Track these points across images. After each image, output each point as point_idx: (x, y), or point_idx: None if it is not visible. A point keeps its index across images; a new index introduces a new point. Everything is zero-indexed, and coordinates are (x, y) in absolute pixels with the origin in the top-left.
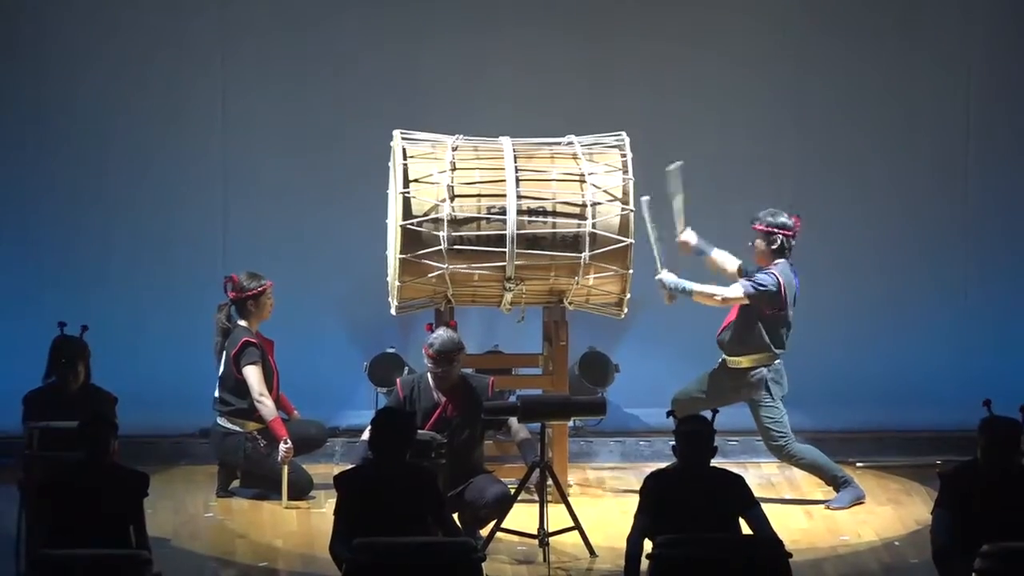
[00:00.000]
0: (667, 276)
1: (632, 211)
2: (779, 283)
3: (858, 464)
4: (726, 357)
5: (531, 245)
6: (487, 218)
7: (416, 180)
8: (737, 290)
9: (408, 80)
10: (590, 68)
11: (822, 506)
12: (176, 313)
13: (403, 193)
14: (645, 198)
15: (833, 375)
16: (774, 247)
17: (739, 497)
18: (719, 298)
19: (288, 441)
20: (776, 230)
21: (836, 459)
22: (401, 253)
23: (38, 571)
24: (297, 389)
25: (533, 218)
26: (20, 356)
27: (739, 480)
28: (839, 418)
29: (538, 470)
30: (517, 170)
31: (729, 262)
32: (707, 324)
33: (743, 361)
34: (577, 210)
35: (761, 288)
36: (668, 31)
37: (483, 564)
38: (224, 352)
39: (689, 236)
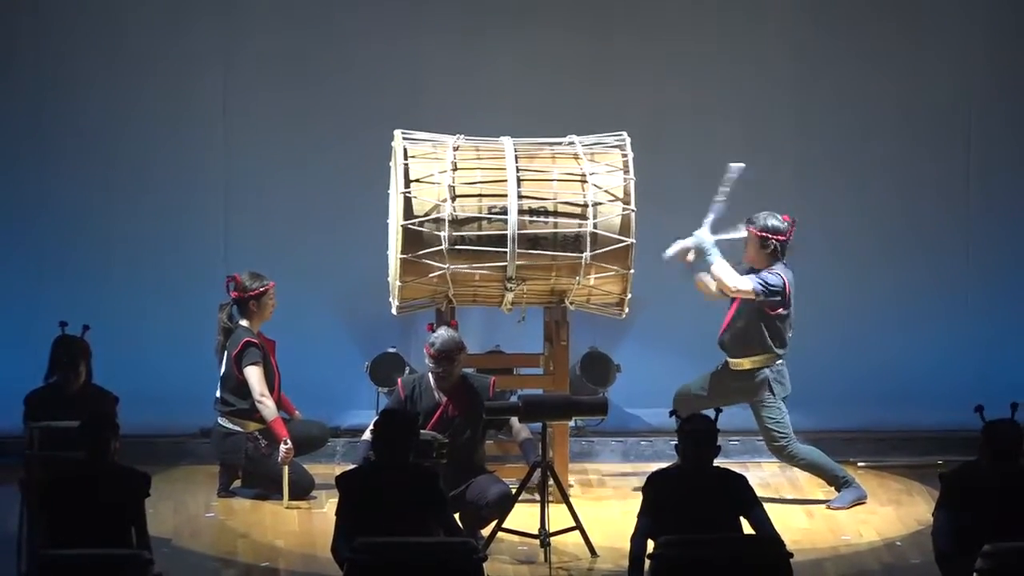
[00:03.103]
0: (706, 234)
1: (633, 211)
2: (785, 284)
3: (859, 464)
4: (728, 359)
5: (532, 245)
6: (488, 218)
7: (417, 180)
8: (747, 283)
9: (409, 81)
10: (591, 68)
11: (823, 506)
12: (177, 313)
13: (404, 193)
14: (740, 165)
15: (833, 375)
16: (768, 251)
17: (741, 497)
18: (730, 285)
19: (288, 442)
20: (770, 234)
21: (837, 459)
22: (402, 253)
23: (39, 571)
24: (298, 389)
25: (534, 218)
26: (21, 356)
27: (741, 480)
28: (839, 418)
29: (539, 470)
30: (518, 170)
31: (713, 284)
32: (708, 323)
33: (745, 363)
34: (578, 210)
35: (771, 289)
36: (669, 31)
37: (484, 564)
38: (225, 352)
39: (706, 235)
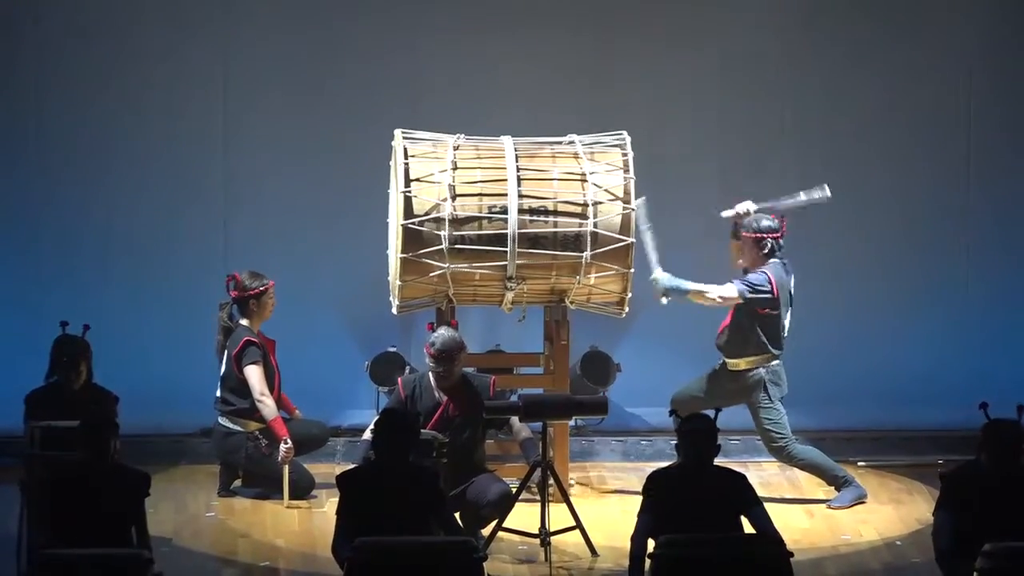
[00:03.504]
0: (662, 275)
1: (633, 210)
2: (771, 283)
3: (859, 464)
4: (726, 359)
5: (532, 244)
6: (488, 217)
7: (417, 179)
8: (731, 290)
9: (409, 81)
10: (591, 67)
11: (823, 505)
12: (177, 312)
13: (404, 192)
14: (641, 199)
15: (833, 375)
16: (765, 251)
17: (741, 496)
18: (714, 297)
19: (288, 441)
20: (764, 235)
21: (837, 459)
22: (402, 252)
23: (39, 571)
24: (298, 389)
25: (534, 217)
26: (22, 355)
27: (742, 479)
28: (839, 418)
29: (539, 469)
30: (518, 169)
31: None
32: (708, 324)
33: (741, 363)
34: (578, 209)
35: (756, 288)
36: (669, 31)
37: (484, 563)
38: (225, 351)
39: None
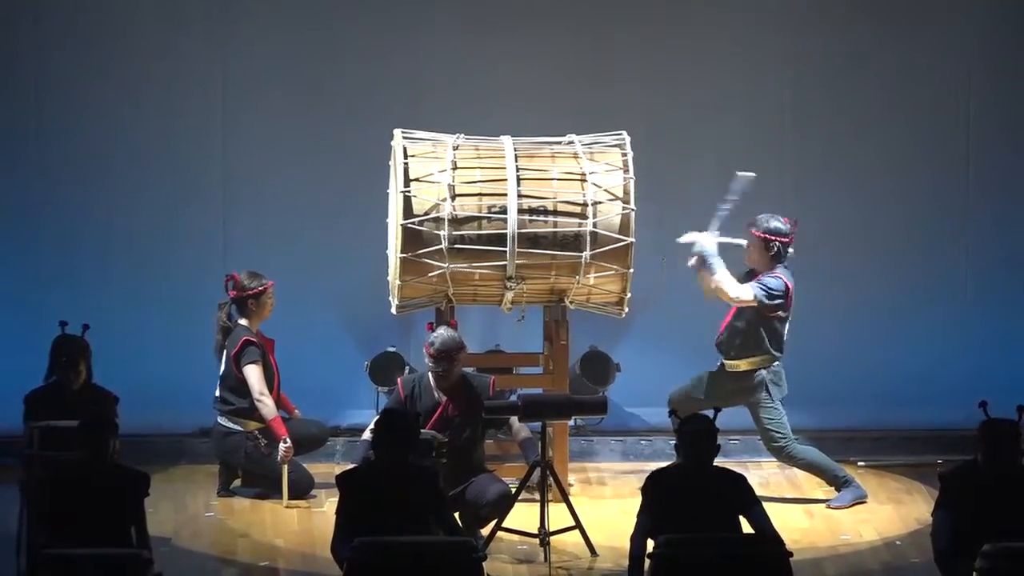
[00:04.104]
0: (709, 242)
1: (633, 210)
2: (787, 288)
3: (859, 464)
4: (724, 360)
5: (532, 244)
6: (488, 217)
7: (417, 179)
8: (748, 292)
9: (409, 81)
10: (591, 67)
11: (823, 505)
12: (177, 312)
13: (404, 192)
14: (749, 174)
15: (833, 375)
16: (771, 253)
17: (741, 496)
18: (732, 296)
19: (287, 440)
20: (773, 236)
21: (837, 459)
22: (402, 252)
23: (39, 570)
24: (298, 388)
25: (534, 217)
26: (21, 356)
27: (741, 479)
28: (839, 418)
29: (539, 469)
30: (518, 169)
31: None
32: (708, 323)
33: (742, 364)
34: (578, 209)
35: (772, 293)
36: (669, 31)
37: (484, 563)
38: (224, 351)
39: (708, 240)
